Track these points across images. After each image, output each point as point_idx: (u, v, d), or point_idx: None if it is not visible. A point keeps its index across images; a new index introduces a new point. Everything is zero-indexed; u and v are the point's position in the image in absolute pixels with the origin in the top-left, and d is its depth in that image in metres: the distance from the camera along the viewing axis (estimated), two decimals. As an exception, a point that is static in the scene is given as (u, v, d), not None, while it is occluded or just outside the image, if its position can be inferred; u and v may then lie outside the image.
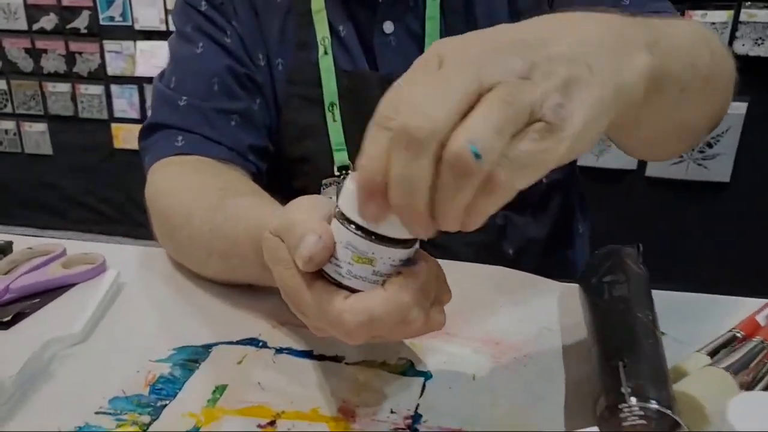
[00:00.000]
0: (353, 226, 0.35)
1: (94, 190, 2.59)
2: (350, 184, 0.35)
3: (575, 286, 0.57)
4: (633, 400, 0.37)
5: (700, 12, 1.84)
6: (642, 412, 0.37)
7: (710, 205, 2.03)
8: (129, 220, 2.55)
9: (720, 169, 1.97)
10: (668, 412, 0.37)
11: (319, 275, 0.38)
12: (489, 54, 0.31)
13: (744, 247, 2.00)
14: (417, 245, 0.38)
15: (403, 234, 0.35)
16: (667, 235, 2.02)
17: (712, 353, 0.46)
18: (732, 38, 1.85)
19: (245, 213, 0.51)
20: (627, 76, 0.34)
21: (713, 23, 1.85)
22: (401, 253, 0.36)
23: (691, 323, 0.53)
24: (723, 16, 1.83)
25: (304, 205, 0.40)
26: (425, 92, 0.30)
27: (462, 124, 0.29)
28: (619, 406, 0.37)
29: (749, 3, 1.82)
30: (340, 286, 0.37)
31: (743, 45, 1.85)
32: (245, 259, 0.50)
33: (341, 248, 0.36)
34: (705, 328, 0.52)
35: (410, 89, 0.31)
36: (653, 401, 0.37)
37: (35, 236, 0.70)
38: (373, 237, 0.35)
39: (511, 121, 0.29)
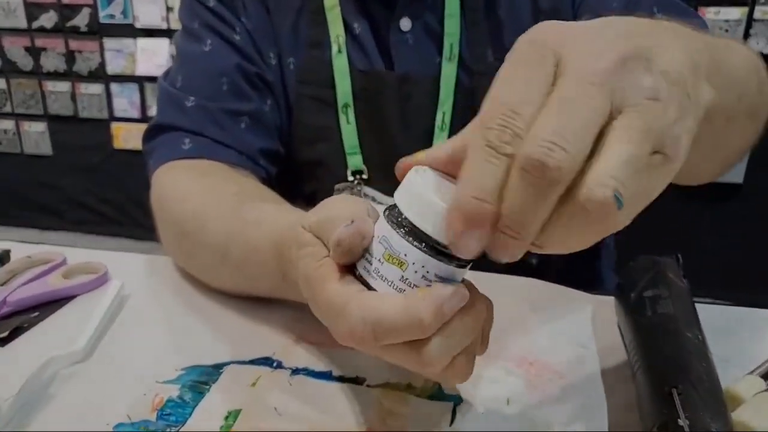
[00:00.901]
0: (402, 229, 0.31)
1: (94, 190, 2.55)
2: (416, 179, 0.31)
3: (608, 299, 0.54)
4: (692, 433, 0.34)
5: (713, 9, 1.80)
6: (703, 448, 0.33)
7: (723, 206, 2.00)
8: (130, 220, 2.51)
9: (733, 170, 1.93)
10: (731, 447, 0.33)
11: (348, 273, 0.34)
12: (617, 67, 0.27)
13: (760, 250, 1.96)
14: (463, 271, 0.32)
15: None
16: (678, 238, 1.99)
17: (766, 375, 0.42)
18: (746, 36, 1.81)
19: (267, 218, 0.48)
20: (702, 109, 0.32)
21: (726, 20, 1.81)
22: (437, 266, 0.31)
23: (733, 340, 0.50)
24: (737, 13, 1.80)
25: (343, 201, 0.36)
26: (557, 118, 0.26)
27: (600, 162, 0.26)
28: (677, 440, 0.34)
29: (764, 0, 1.78)
30: (367, 287, 0.33)
31: (757, 43, 1.82)
32: (264, 267, 0.46)
33: (376, 243, 0.33)
34: (750, 346, 0.49)
35: (527, 104, 0.27)
36: (714, 435, 0.34)
37: (34, 243, 0.66)
38: (423, 245, 0.31)
39: (645, 156, 0.27)
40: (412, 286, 0.32)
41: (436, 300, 0.30)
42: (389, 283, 0.32)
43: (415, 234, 0.31)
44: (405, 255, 0.31)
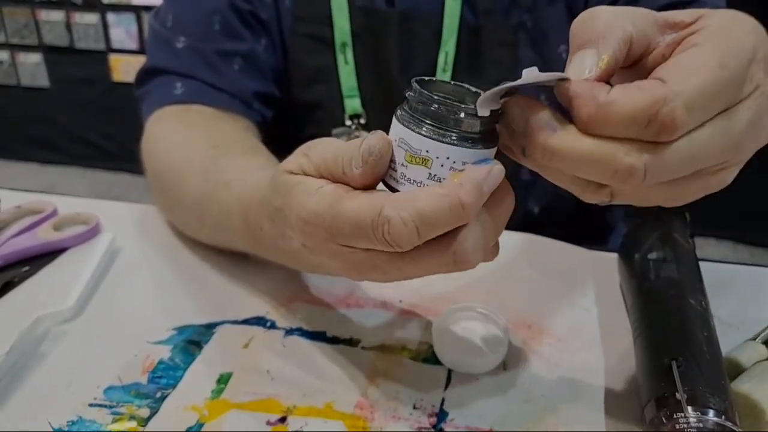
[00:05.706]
0: (418, 126, 0.29)
1: (94, 124, 2.51)
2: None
3: (612, 256, 0.52)
4: (690, 409, 0.33)
5: None
6: (700, 424, 0.33)
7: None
8: (131, 155, 2.48)
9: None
10: (729, 425, 0.33)
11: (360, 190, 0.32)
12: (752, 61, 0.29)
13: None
14: (493, 150, 0.30)
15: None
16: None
17: (768, 342, 0.41)
18: None
19: (238, 178, 0.46)
20: None
21: None
22: (463, 154, 0.29)
23: (737, 300, 0.48)
24: None
25: (331, 140, 0.33)
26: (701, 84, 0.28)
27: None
28: (675, 416, 0.33)
29: None
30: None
31: None
32: (236, 232, 0.46)
33: (396, 147, 0.31)
34: (753, 307, 0.48)
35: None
36: (712, 412, 0.33)
37: (31, 188, 0.64)
38: (443, 137, 0.29)
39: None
40: (441, 180, 0.30)
41: (474, 181, 0.29)
42: (418, 184, 0.30)
43: (433, 128, 0.29)
44: (427, 152, 0.29)
